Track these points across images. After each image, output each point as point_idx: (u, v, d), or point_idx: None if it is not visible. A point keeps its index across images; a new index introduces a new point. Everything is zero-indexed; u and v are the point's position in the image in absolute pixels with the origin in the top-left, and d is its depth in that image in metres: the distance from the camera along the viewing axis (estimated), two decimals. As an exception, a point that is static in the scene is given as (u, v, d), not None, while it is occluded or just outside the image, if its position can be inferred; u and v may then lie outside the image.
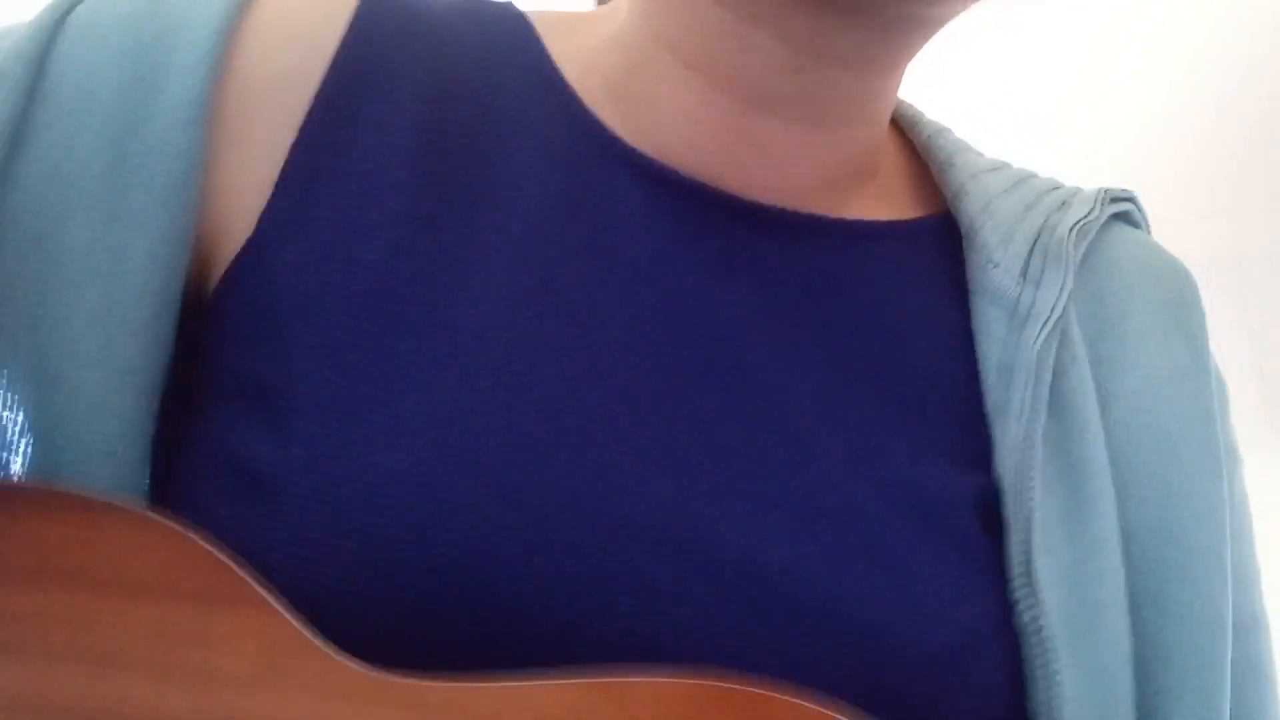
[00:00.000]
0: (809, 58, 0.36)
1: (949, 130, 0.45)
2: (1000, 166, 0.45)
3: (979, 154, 0.45)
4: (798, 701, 0.27)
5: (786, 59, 0.36)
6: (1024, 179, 0.44)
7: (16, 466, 0.32)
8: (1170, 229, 0.46)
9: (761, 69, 0.37)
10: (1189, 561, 0.36)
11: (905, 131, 0.46)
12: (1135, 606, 0.35)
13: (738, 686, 0.27)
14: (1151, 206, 0.47)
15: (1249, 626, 0.39)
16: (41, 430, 0.32)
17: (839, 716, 0.27)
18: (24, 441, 0.32)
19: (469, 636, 0.29)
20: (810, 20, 0.35)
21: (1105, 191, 0.44)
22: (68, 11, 0.34)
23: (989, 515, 0.35)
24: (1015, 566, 0.34)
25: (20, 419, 0.32)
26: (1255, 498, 0.46)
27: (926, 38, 0.37)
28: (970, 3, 0.35)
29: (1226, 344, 0.45)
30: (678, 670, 0.28)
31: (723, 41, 0.37)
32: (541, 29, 0.41)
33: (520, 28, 0.40)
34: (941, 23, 0.36)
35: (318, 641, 0.27)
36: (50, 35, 0.34)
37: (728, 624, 0.30)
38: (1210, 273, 0.45)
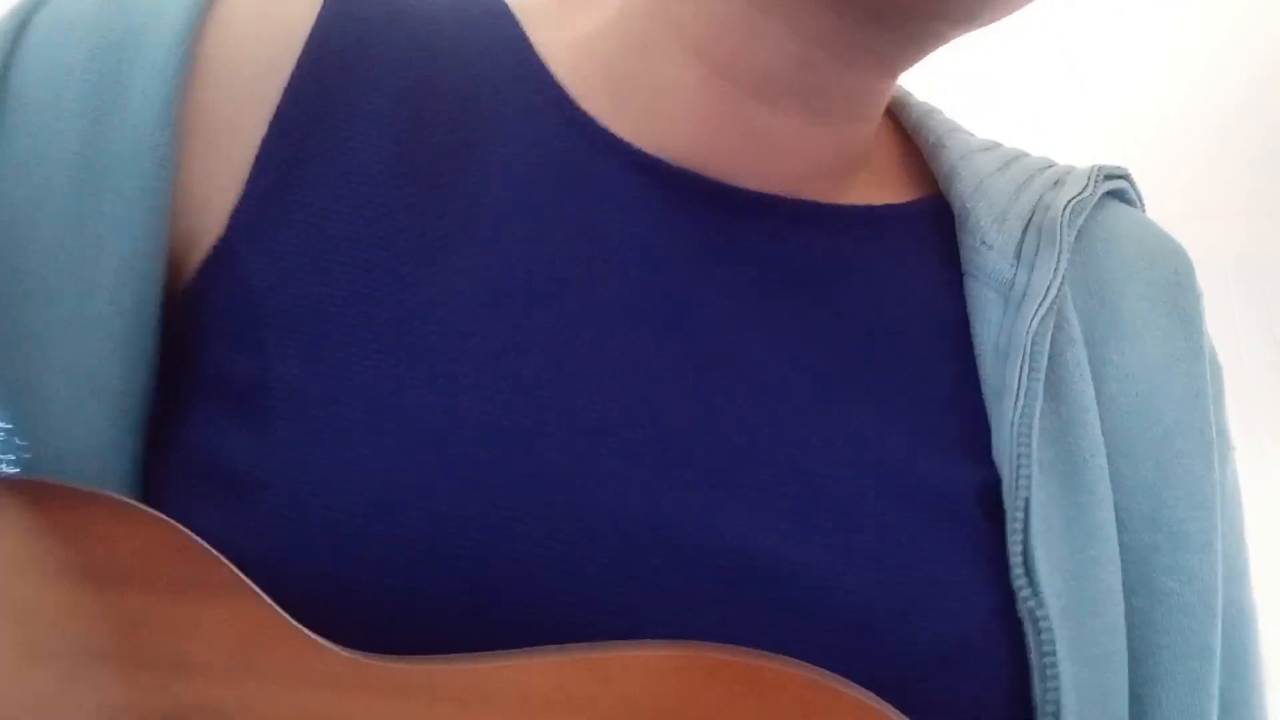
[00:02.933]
0: (820, 53, 0.36)
1: (939, 111, 0.45)
2: (992, 146, 0.44)
3: (969, 134, 0.44)
4: (785, 668, 0.26)
5: (796, 52, 0.36)
6: (1016, 158, 0.44)
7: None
8: (1190, 227, 0.45)
9: (769, 59, 0.36)
10: (1180, 550, 0.36)
11: (895, 113, 0.45)
12: (1126, 593, 0.35)
13: (724, 656, 0.26)
14: (1171, 204, 0.46)
15: (1237, 618, 0.39)
16: (15, 446, 0.31)
17: (825, 679, 0.26)
18: (10, 454, 0.31)
19: (454, 633, 0.29)
20: (829, 19, 0.34)
21: (1099, 169, 0.43)
22: (31, 14, 0.34)
23: (989, 502, 0.35)
24: (1013, 555, 0.33)
25: (6, 429, 0.31)
26: (1276, 501, 0.45)
27: (939, 45, 0.37)
28: (987, 22, 0.35)
29: (1245, 343, 0.44)
30: (663, 643, 0.27)
31: (734, 28, 0.36)
32: (522, 15, 0.40)
33: (501, 16, 0.40)
34: (956, 34, 0.36)
35: (295, 627, 0.27)
36: (14, 39, 0.33)
37: (723, 617, 0.30)
38: (1231, 271, 0.44)
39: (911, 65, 0.38)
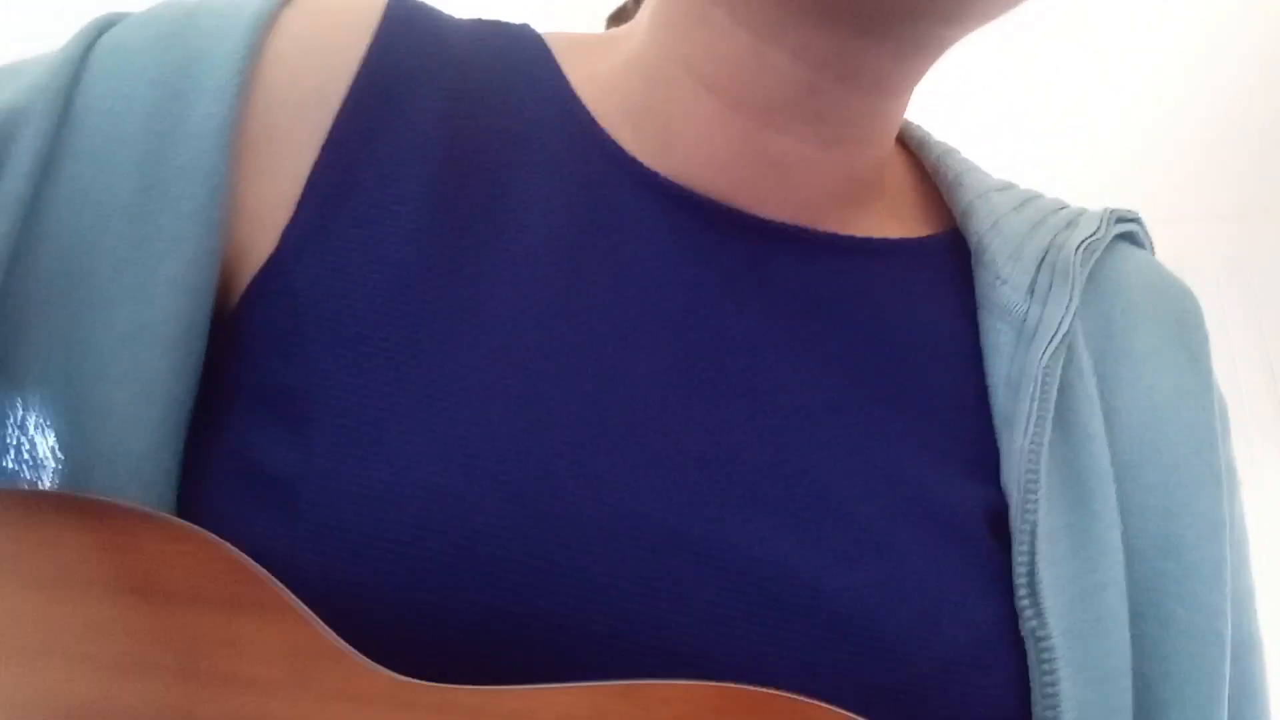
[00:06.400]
0: (825, 77, 0.37)
1: (956, 151, 0.46)
2: (1008, 186, 0.45)
3: (986, 174, 0.45)
4: (824, 712, 0.27)
5: (802, 78, 0.37)
6: (1031, 198, 0.45)
7: (45, 486, 0.32)
8: (1181, 230, 0.46)
9: (777, 88, 0.37)
10: (1189, 577, 0.37)
11: (914, 152, 0.47)
12: (1136, 620, 0.36)
13: (764, 695, 0.27)
14: (1162, 208, 0.48)
15: (1245, 647, 0.40)
16: (70, 450, 0.32)
17: None
18: (53, 462, 0.32)
19: (490, 643, 0.29)
20: (829, 40, 0.36)
21: (1111, 211, 0.44)
22: (95, 39, 0.35)
23: (998, 526, 0.36)
24: (1019, 577, 0.34)
25: (50, 439, 0.32)
26: (1268, 503, 0.46)
27: (937, 57, 0.38)
28: (979, 24, 0.36)
29: (1237, 346, 0.45)
30: (703, 682, 0.28)
31: (740, 60, 0.37)
32: (558, 52, 0.41)
33: (538, 50, 0.41)
34: (952, 42, 0.37)
35: (344, 648, 0.28)
36: (79, 63, 0.34)
37: (742, 631, 0.31)
38: (1221, 274, 0.45)
39: (912, 82, 0.39)
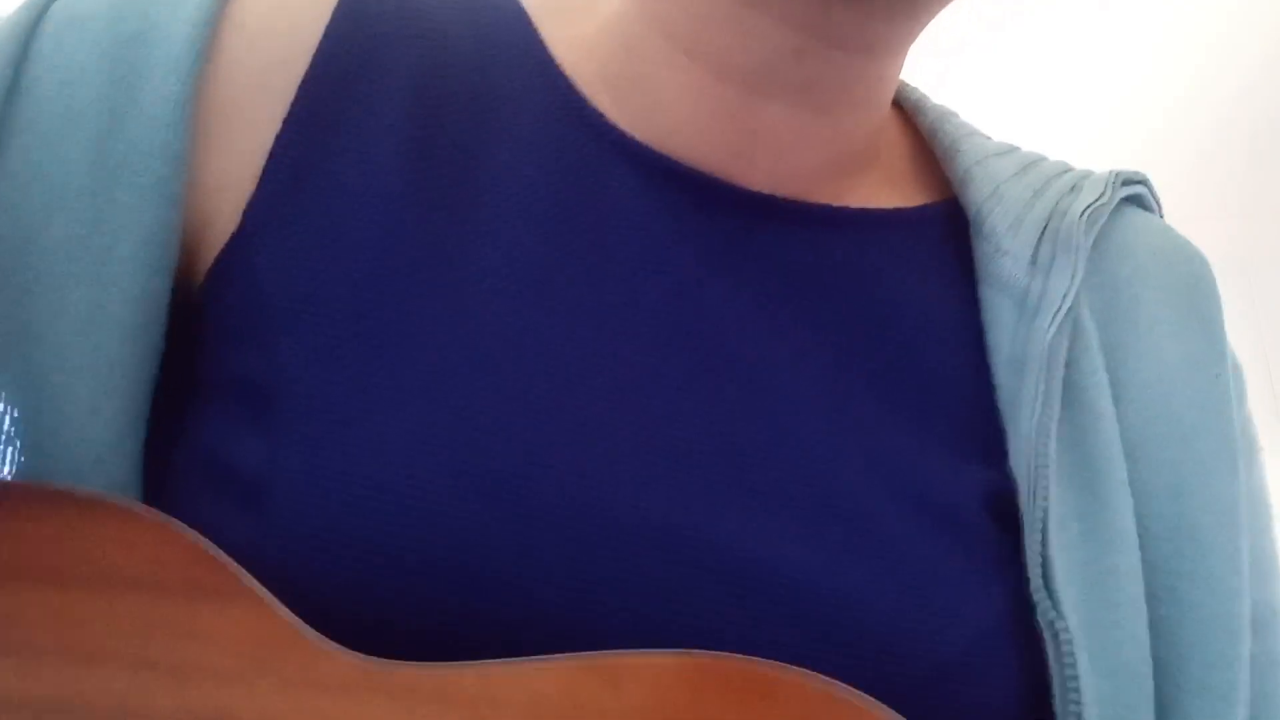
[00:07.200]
0: (810, 40, 0.35)
1: (955, 114, 0.44)
2: (1009, 150, 0.44)
3: (986, 138, 0.44)
4: (796, 678, 0.26)
5: (787, 42, 0.35)
6: (1033, 163, 0.43)
7: (4, 475, 0.31)
8: (1181, 230, 0.45)
9: (762, 53, 0.36)
10: (1205, 558, 0.35)
11: (910, 116, 0.45)
12: (1151, 604, 0.34)
13: (735, 664, 0.26)
14: (1163, 207, 0.46)
15: (1268, 620, 0.38)
16: (29, 438, 0.31)
17: (837, 690, 0.26)
18: (12, 450, 0.31)
19: (463, 642, 0.28)
20: (814, 3, 0.34)
21: (1116, 174, 0.43)
22: (42, 12, 0.34)
23: (1003, 511, 0.34)
24: (1032, 565, 0.33)
25: (8, 427, 0.31)
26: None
27: (928, 19, 0.36)
28: None
29: (1236, 344, 0.44)
30: (674, 651, 0.27)
31: (722, 26, 0.36)
32: (535, 14, 0.40)
33: (513, 13, 0.40)
34: (943, 4, 0.35)
35: (308, 633, 0.27)
36: (29, 32, 0.33)
37: (733, 626, 0.30)
38: (1218, 274, 0.44)
39: (906, 43, 0.38)
